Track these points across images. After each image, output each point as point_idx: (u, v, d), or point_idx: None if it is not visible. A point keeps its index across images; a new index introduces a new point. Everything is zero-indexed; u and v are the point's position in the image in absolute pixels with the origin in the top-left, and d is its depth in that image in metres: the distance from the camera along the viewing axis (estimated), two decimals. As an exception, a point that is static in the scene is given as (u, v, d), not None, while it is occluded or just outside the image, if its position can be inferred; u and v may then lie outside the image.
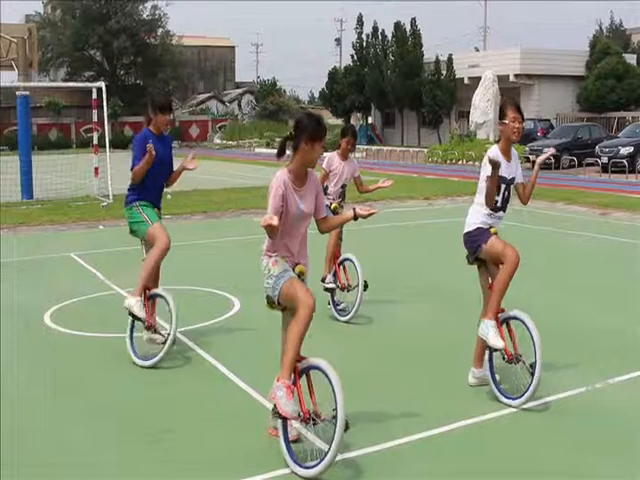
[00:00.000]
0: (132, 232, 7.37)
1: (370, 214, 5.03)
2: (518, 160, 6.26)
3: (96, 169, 20.89)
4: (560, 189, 22.17)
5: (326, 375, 4.68)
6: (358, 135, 9.64)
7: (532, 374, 5.72)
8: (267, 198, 4.96)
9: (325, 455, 4.62)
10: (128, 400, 6.12)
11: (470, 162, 33.33)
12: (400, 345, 7.55)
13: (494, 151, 6.02)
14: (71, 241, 14.05)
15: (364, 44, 54.54)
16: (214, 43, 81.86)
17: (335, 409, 4.59)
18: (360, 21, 54.91)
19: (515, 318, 5.94)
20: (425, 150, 39.13)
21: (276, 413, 4.69)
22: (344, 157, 8.63)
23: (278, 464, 4.87)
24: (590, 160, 28.91)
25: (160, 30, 62.41)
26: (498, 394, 5.93)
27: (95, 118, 21.57)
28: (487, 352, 6.05)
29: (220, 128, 62.14)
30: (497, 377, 6.01)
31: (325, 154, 8.37)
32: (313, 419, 4.70)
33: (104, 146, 20.29)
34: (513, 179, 6.12)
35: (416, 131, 51.71)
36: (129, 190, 7.31)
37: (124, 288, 9.60)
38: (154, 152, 6.93)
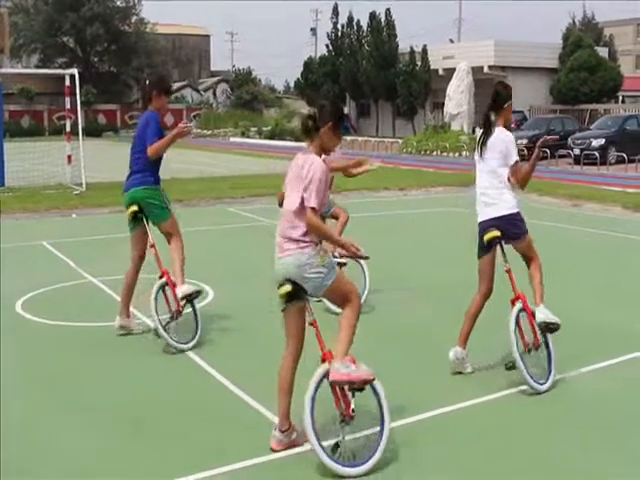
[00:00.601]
0: (140, 212, 7.20)
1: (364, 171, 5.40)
2: None
3: (69, 157, 20.73)
4: (533, 180, 22.22)
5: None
6: None
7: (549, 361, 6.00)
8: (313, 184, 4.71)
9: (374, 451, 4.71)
10: (101, 391, 6.09)
11: (444, 153, 33.45)
12: (380, 332, 7.59)
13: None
14: (43, 229, 13.93)
15: (339, 34, 54.48)
16: (189, 31, 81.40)
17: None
18: (335, 11, 54.82)
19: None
20: (400, 141, 39.21)
21: (354, 389, 4.66)
22: None
23: (251, 453, 4.87)
24: (562, 152, 29.13)
25: (134, 18, 61.94)
26: (528, 378, 5.89)
27: (68, 105, 21.35)
28: (541, 336, 6.12)
29: (195, 117, 61.85)
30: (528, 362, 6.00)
31: None
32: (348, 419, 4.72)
33: (77, 134, 20.12)
34: None
35: (391, 122, 51.80)
36: (147, 170, 7.12)
37: (97, 277, 9.55)
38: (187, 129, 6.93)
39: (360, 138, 43.90)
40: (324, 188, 4.75)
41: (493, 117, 6.23)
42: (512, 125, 35.91)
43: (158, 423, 5.44)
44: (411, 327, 7.79)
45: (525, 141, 29.89)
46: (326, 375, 4.68)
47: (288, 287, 4.72)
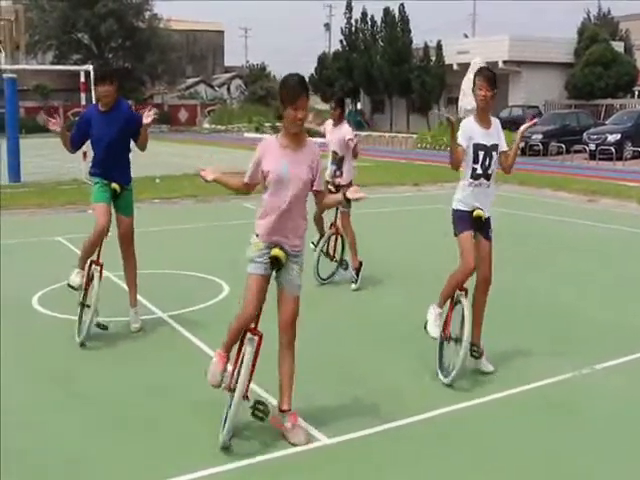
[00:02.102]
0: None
1: (359, 198, 4.92)
2: (500, 129, 6.24)
3: (84, 153, 20.75)
4: (548, 175, 22.25)
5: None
6: (348, 120, 9.75)
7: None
8: None
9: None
10: (118, 385, 6.12)
11: (459, 148, 33.30)
12: (381, 326, 7.60)
13: (467, 119, 6.11)
14: (59, 225, 14.01)
15: (353, 29, 54.37)
16: (203, 27, 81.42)
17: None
18: (349, 6, 54.69)
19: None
20: (414, 136, 39.12)
21: None
22: (334, 124, 8.96)
23: (266, 449, 4.90)
24: (578, 147, 29.00)
25: (147, 14, 62.02)
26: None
27: (83, 102, 21.43)
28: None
29: (209, 113, 61.91)
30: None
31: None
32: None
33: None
34: (495, 146, 6.07)
35: (405, 117, 51.66)
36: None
37: (112, 272, 9.58)
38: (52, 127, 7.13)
39: (374, 133, 43.83)
40: (252, 163, 5.02)
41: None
42: (527, 120, 35.81)
43: (169, 418, 5.46)
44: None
45: (540, 136, 29.78)
46: None
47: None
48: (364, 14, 53.53)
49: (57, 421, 5.43)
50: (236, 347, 5.06)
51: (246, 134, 49.93)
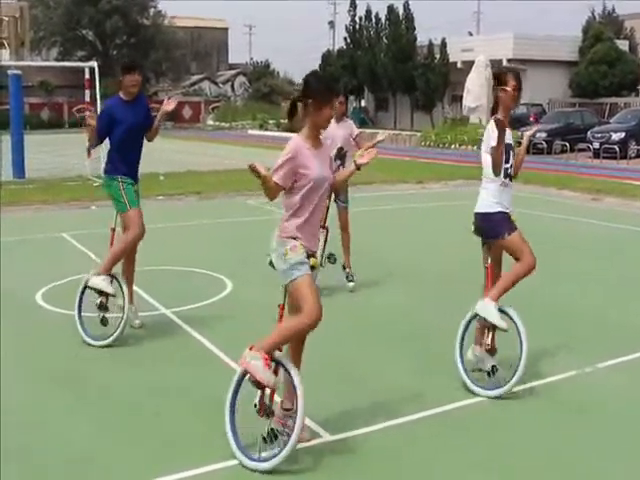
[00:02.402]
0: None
1: (369, 159, 4.82)
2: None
3: (88, 150, 20.78)
4: (552, 174, 22.23)
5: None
6: (351, 118, 9.71)
7: (515, 370, 5.69)
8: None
9: None
10: (120, 383, 6.13)
11: (463, 146, 33.31)
12: (383, 326, 7.61)
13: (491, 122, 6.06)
14: (63, 221, 14.04)
15: (357, 27, 54.34)
16: (207, 24, 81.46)
17: None
18: (353, 4, 54.66)
19: (506, 313, 5.85)
20: (418, 134, 39.09)
21: (253, 382, 4.67)
22: (337, 119, 8.68)
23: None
24: (582, 145, 28.95)
25: (152, 10, 62.05)
26: (467, 381, 5.88)
27: (87, 98, 21.48)
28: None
29: (213, 110, 61.92)
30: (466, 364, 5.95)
31: None
32: None
33: (97, 126, 20.18)
34: (512, 145, 6.07)
35: (409, 115, 51.63)
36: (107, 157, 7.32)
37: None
38: (92, 122, 7.05)
39: (379, 131, 43.77)
40: (282, 163, 4.67)
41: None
42: (530, 119, 35.81)
43: (171, 416, 5.46)
44: (422, 322, 7.80)
45: (544, 135, 29.74)
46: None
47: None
48: (368, 12, 53.49)
49: (58, 420, 5.43)
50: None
51: (250, 131, 49.96)
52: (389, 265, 10.22)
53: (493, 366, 5.85)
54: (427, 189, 19.64)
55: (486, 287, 5.99)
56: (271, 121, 52.74)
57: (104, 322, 7.07)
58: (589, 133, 29.57)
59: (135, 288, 7.76)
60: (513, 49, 44.52)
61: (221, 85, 71.20)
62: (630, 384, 6.12)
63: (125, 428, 5.25)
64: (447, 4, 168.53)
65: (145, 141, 7.42)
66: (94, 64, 20.92)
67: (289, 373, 4.70)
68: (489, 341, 5.90)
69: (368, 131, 40.71)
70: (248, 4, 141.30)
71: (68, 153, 23.33)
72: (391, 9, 51.27)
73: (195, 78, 71.03)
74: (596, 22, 49.59)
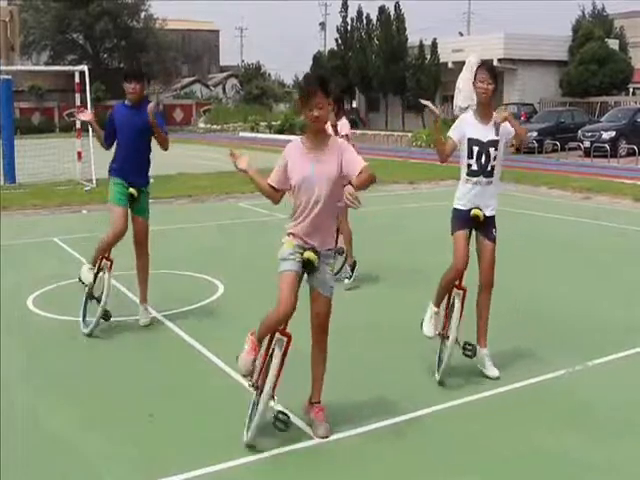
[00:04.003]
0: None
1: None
2: (502, 125, 5.93)
3: (79, 153, 20.78)
4: (543, 173, 22.28)
5: None
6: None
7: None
8: None
9: None
10: (113, 385, 6.14)
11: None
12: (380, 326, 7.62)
13: (466, 113, 6.10)
14: (54, 225, 14.01)
15: (349, 28, 54.37)
16: (198, 27, 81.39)
17: None
18: (345, 5, 54.70)
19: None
20: (409, 134, 39.12)
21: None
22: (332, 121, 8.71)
23: (260, 447, 4.91)
24: (573, 144, 29.04)
25: (143, 13, 62.00)
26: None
27: (78, 102, 21.40)
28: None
29: (204, 112, 61.87)
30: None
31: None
32: None
33: (87, 130, 20.13)
34: (493, 142, 5.90)
35: (400, 115, 51.69)
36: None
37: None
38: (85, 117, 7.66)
39: (369, 132, 43.83)
40: (276, 166, 5.03)
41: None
42: (521, 117, 35.89)
43: (167, 417, 5.47)
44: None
45: (535, 134, 29.80)
46: None
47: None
48: (359, 13, 53.56)
49: (54, 421, 5.43)
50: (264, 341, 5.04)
51: (241, 133, 49.91)
52: (383, 265, 10.21)
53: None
54: (419, 189, 19.67)
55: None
56: (262, 123, 52.72)
57: (106, 317, 7.23)
58: (580, 132, 29.67)
59: (125, 290, 7.77)
60: (504, 49, 44.64)
61: (212, 87, 71.14)
62: (618, 382, 6.14)
63: (117, 429, 5.24)
64: (438, 4, 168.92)
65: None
66: (84, 68, 20.84)
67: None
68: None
69: (359, 132, 40.82)
70: (239, 7, 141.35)
71: (59, 157, 23.25)
72: (382, 10, 51.35)
73: (186, 81, 70.97)
74: (586, 21, 49.69)
